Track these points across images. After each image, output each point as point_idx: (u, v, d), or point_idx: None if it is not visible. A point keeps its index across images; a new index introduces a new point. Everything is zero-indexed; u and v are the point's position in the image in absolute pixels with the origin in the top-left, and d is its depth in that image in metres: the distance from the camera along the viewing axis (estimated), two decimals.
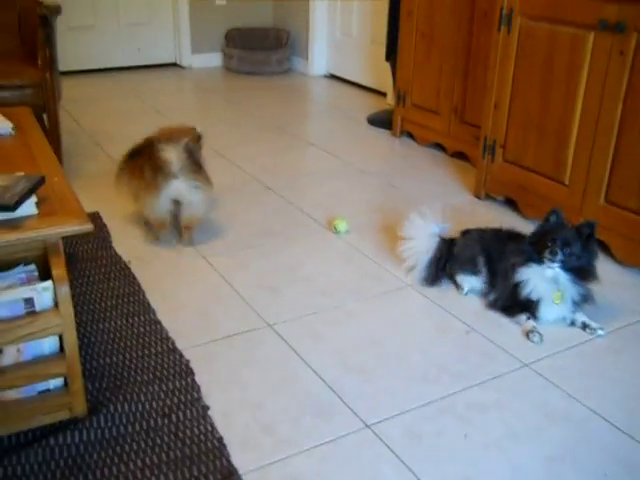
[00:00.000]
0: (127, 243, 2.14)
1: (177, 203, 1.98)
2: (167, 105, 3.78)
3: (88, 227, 1.24)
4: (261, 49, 4.75)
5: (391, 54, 3.31)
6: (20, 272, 1.29)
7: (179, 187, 1.91)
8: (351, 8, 4.28)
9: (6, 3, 2.70)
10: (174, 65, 4.79)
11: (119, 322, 1.67)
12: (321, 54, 4.59)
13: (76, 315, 1.55)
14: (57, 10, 2.48)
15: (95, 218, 2.30)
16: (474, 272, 1.85)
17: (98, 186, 2.59)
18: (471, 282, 1.86)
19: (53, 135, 2.46)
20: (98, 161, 2.86)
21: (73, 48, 4.36)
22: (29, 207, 1.25)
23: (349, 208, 2.47)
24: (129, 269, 1.97)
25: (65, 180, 1.41)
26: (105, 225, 2.26)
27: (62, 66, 4.36)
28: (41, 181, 1.31)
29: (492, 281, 1.82)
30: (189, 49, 4.76)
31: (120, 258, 2.04)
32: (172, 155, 1.84)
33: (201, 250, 2.11)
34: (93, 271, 1.96)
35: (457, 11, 2.83)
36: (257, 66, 4.61)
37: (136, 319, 1.69)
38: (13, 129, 1.70)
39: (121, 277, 1.91)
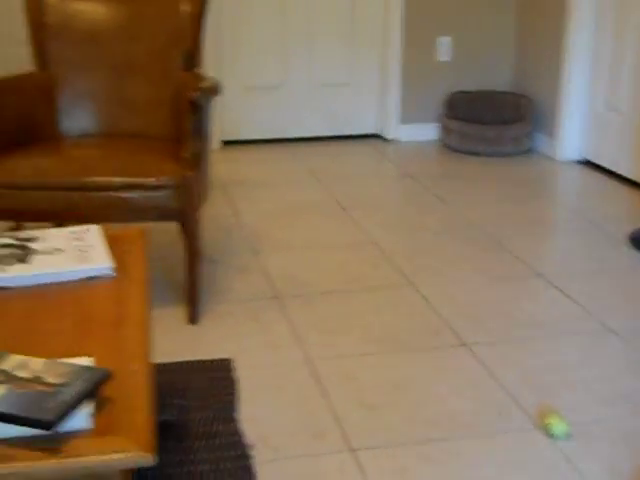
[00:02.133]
0: (260, 415, 2.01)
1: None
2: (354, 197, 3.71)
3: (147, 461, 1.10)
4: (492, 122, 4.56)
5: None
6: None
7: None
8: (620, 72, 3.93)
9: (164, 75, 2.82)
10: (375, 137, 4.78)
11: None
12: (574, 132, 4.27)
13: None
14: (214, 91, 2.52)
15: (223, 369, 2.21)
16: None
17: (240, 318, 2.53)
18: None
19: (190, 250, 2.44)
20: (249, 279, 2.82)
21: (246, 112, 4.53)
22: (79, 419, 1.13)
23: (581, 394, 2.11)
24: (249, 461, 1.81)
25: (147, 371, 1.29)
26: (234, 382, 2.15)
27: (230, 134, 4.54)
28: (104, 378, 1.20)
29: None
30: (397, 118, 4.72)
31: (241, 440, 1.90)
32: None
33: None
34: (200, 455, 1.83)
35: None
36: (485, 145, 4.42)
37: None
38: (114, 270, 1.65)
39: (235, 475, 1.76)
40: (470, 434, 1.96)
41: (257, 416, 2.01)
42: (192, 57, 2.83)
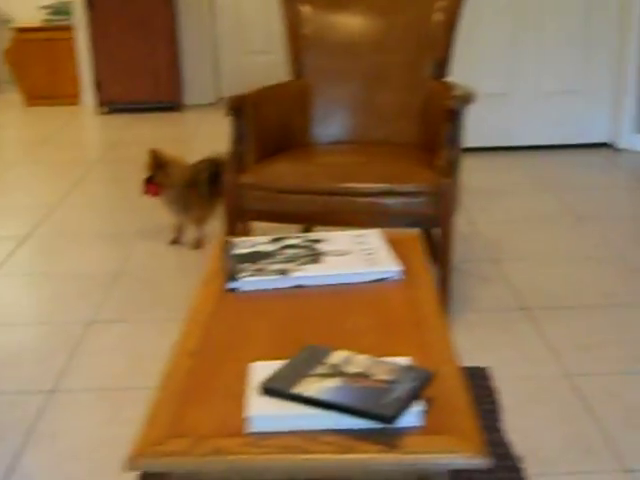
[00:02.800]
0: (525, 428, 2.01)
1: None
2: (588, 207, 3.62)
3: (480, 463, 1.14)
4: None
5: None
6: None
7: None
8: None
9: (413, 84, 2.89)
10: (604, 146, 4.63)
11: None
12: None
13: None
14: (470, 99, 2.56)
15: (481, 377, 2.24)
16: None
17: (490, 328, 2.55)
18: None
19: (442, 258, 2.50)
20: (493, 289, 2.83)
21: (472, 119, 4.52)
22: (411, 417, 1.20)
23: None
24: (522, 473, 1.82)
25: (459, 371, 1.34)
26: (494, 391, 2.17)
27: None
28: (428, 378, 1.26)
29: None
30: (631, 126, 4.54)
31: (510, 451, 1.91)
32: None
33: None
34: None
35: None
36: None
37: None
38: (402, 273, 1.72)
39: None
40: None
41: (523, 428, 2.02)
42: (443, 66, 2.89)
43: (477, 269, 3.01)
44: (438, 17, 2.87)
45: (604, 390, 2.19)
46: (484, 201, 3.78)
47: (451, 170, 2.49)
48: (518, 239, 3.31)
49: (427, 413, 1.23)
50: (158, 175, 3.15)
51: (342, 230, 2.01)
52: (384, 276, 1.73)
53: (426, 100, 2.85)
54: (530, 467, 1.87)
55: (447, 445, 1.17)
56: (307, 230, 3.06)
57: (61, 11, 6.23)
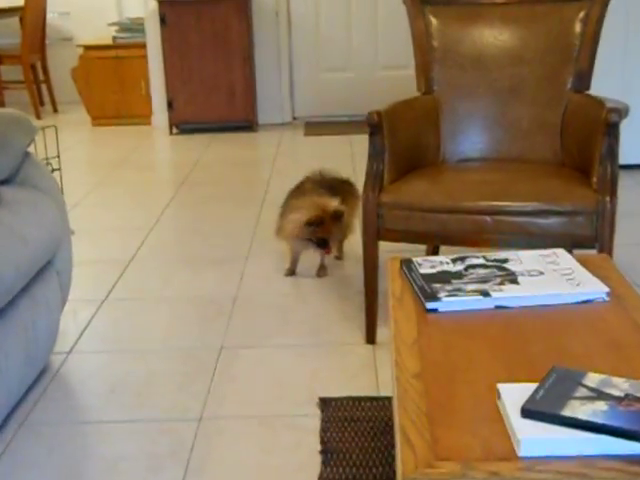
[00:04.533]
0: None
1: None
2: None
3: None
4: None
5: None
6: None
7: None
8: None
9: (552, 97, 2.90)
10: None
11: None
12: None
13: None
14: (626, 112, 2.55)
15: None
16: None
17: None
18: None
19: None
20: None
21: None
22: None
23: None
24: None
25: None
26: None
27: None
28: None
29: None
30: None
31: None
32: None
33: None
34: None
35: None
36: None
37: None
38: (609, 294, 1.72)
39: None
40: None
41: None
42: (584, 79, 2.89)
43: None
44: (580, 27, 2.88)
45: None
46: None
47: (611, 187, 2.49)
48: None
49: None
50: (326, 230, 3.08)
51: (502, 250, 2.01)
52: (590, 298, 1.72)
53: (568, 114, 2.85)
54: None
55: None
56: (434, 252, 3.07)
57: (130, 28, 6.36)
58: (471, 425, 1.28)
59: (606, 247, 2.47)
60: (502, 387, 1.33)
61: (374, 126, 2.61)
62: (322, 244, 3.09)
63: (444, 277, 1.81)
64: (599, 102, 2.65)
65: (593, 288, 1.74)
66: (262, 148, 5.65)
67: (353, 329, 2.77)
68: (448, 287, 1.75)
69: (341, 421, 2.19)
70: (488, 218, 2.51)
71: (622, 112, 2.54)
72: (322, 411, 2.25)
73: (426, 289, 1.75)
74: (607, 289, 1.74)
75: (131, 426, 2.23)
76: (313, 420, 2.21)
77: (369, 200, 2.59)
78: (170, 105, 5.98)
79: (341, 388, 2.38)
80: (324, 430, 2.15)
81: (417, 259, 1.94)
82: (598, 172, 2.50)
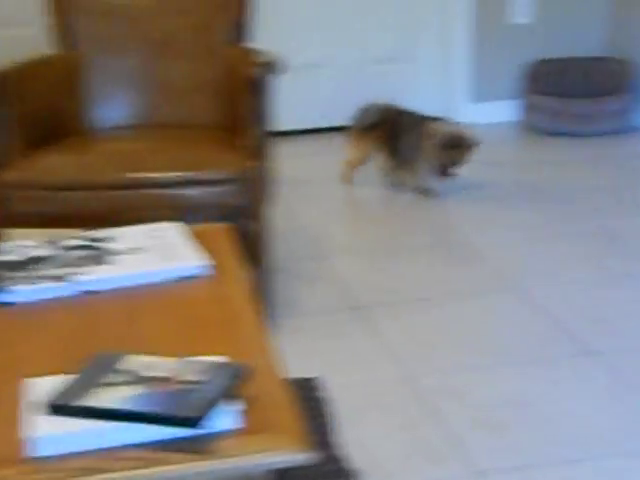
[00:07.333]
0: (365, 439, 2.15)
1: None
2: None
3: (305, 458, 1.24)
4: (584, 95, 4.63)
5: None
6: None
7: None
8: None
9: (207, 52, 2.97)
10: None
11: None
12: None
13: None
14: (276, 67, 2.66)
15: (308, 388, 2.34)
16: None
17: (319, 332, 2.67)
18: None
19: (256, 254, 2.59)
20: (317, 289, 2.97)
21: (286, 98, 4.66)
22: (226, 418, 1.27)
23: None
24: None
25: (279, 368, 1.43)
26: (323, 402, 2.29)
27: None
28: (240, 375, 1.34)
29: None
30: (466, 96, 4.78)
31: (343, 465, 2.03)
32: None
33: None
34: None
35: None
36: (577, 123, 4.49)
37: None
38: (211, 267, 1.80)
39: None
40: (614, 453, 2.09)
41: (361, 439, 2.14)
42: (240, 29, 2.98)
43: (300, 268, 3.14)
44: None
45: (447, 389, 2.36)
46: (303, 191, 3.92)
47: (258, 152, 2.59)
48: (342, 232, 3.47)
49: (246, 413, 1.30)
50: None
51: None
52: (189, 273, 1.79)
53: (224, 71, 2.93)
54: None
55: (267, 444, 1.24)
56: None
57: None
58: None
59: (257, 217, 2.58)
60: (31, 382, 1.35)
61: None
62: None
63: (25, 264, 1.81)
64: (250, 55, 2.75)
65: (190, 262, 1.80)
66: None
67: None
68: (23, 275, 1.75)
69: None
70: (127, 193, 2.54)
71: (271, 66, 2.65)
72: None
73: None
74: (207, 262, 1.81)
75: None
76: None
77: None
78: None
79: None
80: None
81: (2, 244, 1.92)
82: (245, 135, 2.60)
